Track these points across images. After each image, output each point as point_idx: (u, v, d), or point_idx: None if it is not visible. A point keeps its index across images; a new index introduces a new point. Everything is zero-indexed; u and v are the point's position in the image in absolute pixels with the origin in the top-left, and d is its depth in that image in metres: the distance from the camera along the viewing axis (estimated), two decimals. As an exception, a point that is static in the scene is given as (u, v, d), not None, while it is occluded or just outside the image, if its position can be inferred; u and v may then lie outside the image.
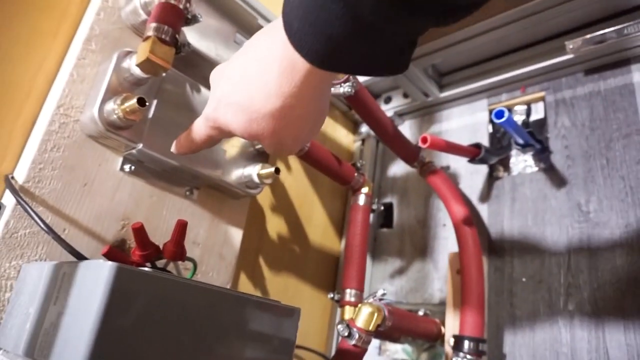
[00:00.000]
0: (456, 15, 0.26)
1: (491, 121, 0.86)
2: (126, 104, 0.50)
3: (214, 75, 0.41)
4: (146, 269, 0.34)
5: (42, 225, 0.42)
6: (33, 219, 0.42)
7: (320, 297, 0.89)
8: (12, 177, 0.49)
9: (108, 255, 0.42)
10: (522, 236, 0.74)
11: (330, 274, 0.92)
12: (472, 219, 0.73)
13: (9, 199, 0.48)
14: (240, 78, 0.36)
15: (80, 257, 0.41)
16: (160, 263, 0.47)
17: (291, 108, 0.34)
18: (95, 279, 0.33)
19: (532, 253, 0.72)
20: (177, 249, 0.46)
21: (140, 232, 0.45)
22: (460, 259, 0.72)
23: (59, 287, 0.38)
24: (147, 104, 0.50)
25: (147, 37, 0.50)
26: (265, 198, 0.81)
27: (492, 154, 0.76)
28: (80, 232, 0.52)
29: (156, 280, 0.34)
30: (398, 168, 0.98)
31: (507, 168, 0.81)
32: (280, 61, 0.32)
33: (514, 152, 0.81)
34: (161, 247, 0.47)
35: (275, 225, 0.82)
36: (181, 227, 0.47)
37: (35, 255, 0.48)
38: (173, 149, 0.49)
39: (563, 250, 0.69)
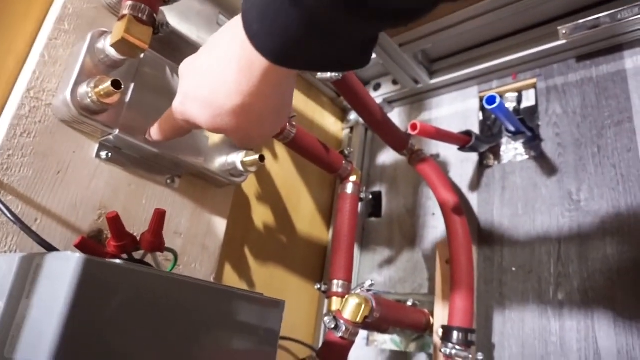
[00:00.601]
0: (412, 17, 0.27)
1: (482, 108, 0.85)
2: (100, 87, 0.47)
3: (182, 69, 0.41)
4: (119, 260, 0.32)
5: (9, 215, 0.39)
6: (2, 210, 0.39)
7: (307, 287, 0.87)
8: (-21, 164, 0.46)
9: (80, 247, 0.40)
10: (512, 225, 0.73)
11: (318, 264, 0.91)
12: (462, 208, 0.72)
13: (-25, 187, 0.45)
14: (205, 74, 0.37)
15: (50, 248, 0.39)
16: (138, 254, 0.45)
17: (251, 105, 0.35)
18: (63, 271, 0.31)
19: (522, 242, 0.71)
20: (155, 239, 0.44)
21: (115, 221, 0.42)
22: (449, 248, 0.70)
23: (31, 280, 0.36)
24: (122, 86, 0.48)
25: (123, 16, 0.48)
26: (250, 186, 0.79)
27: (483, 142, 0.75)
28: (54, 222, 0.49)
29: (129, 272, 0.32)
30: (387, 156, 0.96)
31: (497, 156, 0.79)
32: (238, 60, 0.33)
33: (504, 140, 0.80)
34: (139, 237, 0.45)
35: (261, 215, 0.80)
36: (159, 217, 0.45)
37: (5, 246, 0.45)
38: (147, 135, 0.51)
39: (553, 240, 0.68)
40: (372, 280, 0.59)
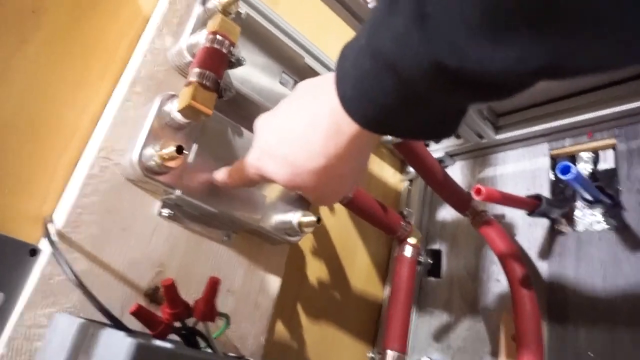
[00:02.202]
0: (510, 93, 0.26)
1: (553, 167, 0.79)
2: (164, 151, 0.49)
3: (259, 125, 0.42)
4: (168, 345, 0.31)
5: (73, 279, 0.40)
6: (65, 272, 0.41)
7: (359, 347, 0.83)
8: (51, 221, 0.49)
9: (136, 314, 0.40)
10: (589, 303, 0.66)
11: (372, 323, 0.87)
12: (531, 279, 0.66)
13: (46, 244, 0.47)
14: (286, 133, 0.37)
15: (109, 315, 0.39)
16: (190, 321, 0.45)
17: (333, 167, 0.36)
18: (116, 352, 0.31)
19: (601, 324, 0.64)
20: (207, 309, 0.44)
21: (170, 289, 0.42)
22: (516, 323, 0.65)
23: (86, 346, 0.37)
24: (185, 152, 0.49)
25: (189, 83, 0.49)
26: (305, 240, 0.78)
27: (554, 207, 0.70)
28: (115, 279, 0.50)
29: (179, 358, 0.31)
30: (448, 212, 0.92)
31: (571, 222, 0.73)
32: (326, 123, 0.34)
33: (579, 203, 0.74)
34: (192, 303, 0.45)
35: (316, 270, 0.79)
36: (213, 285, 0.44)
37: (69, 302, 0.47)
38: (215, 177, 0.52)
39: (638, 326, 0.60)
40: (429, 358, 0.55)
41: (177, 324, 0.43)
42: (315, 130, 0.35)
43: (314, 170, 0.36)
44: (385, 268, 0.92)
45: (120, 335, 0.31)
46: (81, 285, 0.40)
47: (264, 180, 0.43)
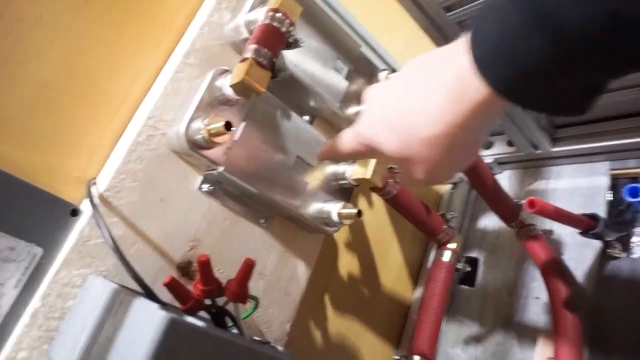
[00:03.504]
0: None
1: (613, 187, 0.74)
2: (212, 126, 0.48)
3: (371, 92, 0.39)
4: (200, 323, 0.30)
5: (111, 243, 0.40)
6: (103, 235, 0.41)
7: (382, 347, 0.81)
8: (95, 183, 0.49)
9: (169, 286, 0.39)
10: (638, 338, 0.61)
11: (397, 324, 0.85)
12: (577, 302, 0.62)
13: (88, 206, 0.47)
14: (402, 98, 0.34)
15: (142, 283, 0.39)
16: (221, 300, 0.44)
17: (452, 136, 0.32)
18: (146, 324, 0.30)
19: (649, 360, 0.59)
20: (239, 291, 0.43)
21: (205, 266, 0.42)
22: (554, 347, 0.61)
23: (115, 312, 0.36)
24: (233, 128, 0.48)
25: (245, 59, 0.48)
26: (340, 232, 0.76)
27: (611, 230, 0.65)
28: (150, 249, 0.50)
29: (209, 337, 0.30)
30: (490, 221, 0.88)
31: (626, 247, 0.68)
32: (450, 87, 0.31)
33: (637, 229, 0.68)
34: (224, 283, 0.44)
35: (347, 263, 0.77)
36: (248, 267, 0.43)
37: (104, 266, 0.47)
38: (318, 155, 0.50)
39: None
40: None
41: (208, 302, 0.43)
42: (435, 94, 0.31)
43: (428, 138, 0.32)
44: (417, 270, 0.89)
45: (153, 307, 0.30)
46: (117, 250, 0.40)
47: (369, 151, 0.39)
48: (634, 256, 0.67)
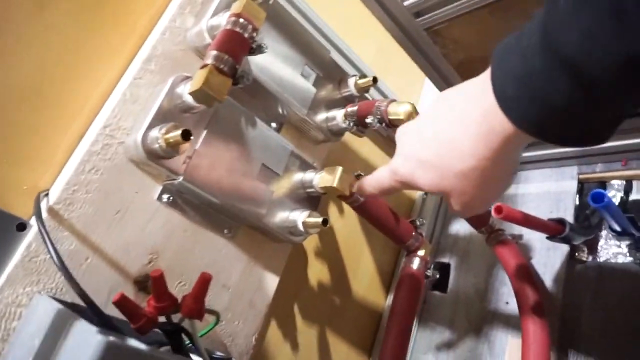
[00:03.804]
0: None
1: (580, 192, 0.75)
2: (170, 135, 0.46)
3: (402, 131, 0.41)
4: (142, 346, 0.29)
5: (56, 260, 0.38)
6: (49, 252, 0.39)
7: (355, 356, 0.80)
8: (47, 195, 0.47)
9: (119, 304, 0.37)
10: (604, 341, 0.62)
11: (370, 332, 0.84)
12: (543, 307, 0.62)
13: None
14: (433, 136, 0.36)
15: (88, 301, 0.37)
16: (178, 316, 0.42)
17: (483, 169, 0.34)
18: (84, 348, 0.28)
19: (615, 365, 0.60)
20: (195, 306, 0.41)
21: (158, 281, 0.40)
22: (522, 352, 0.61)
23: (60, 331, 0.34)
24: (192, 137, 0.46)
25: (205, 65, 0.46)
26: (310, 241, 0.75)
27: (578, 234, 0.65)
28: (104, 263, 0.48)
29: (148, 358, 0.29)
30: (462, 226, 0.88)
31: (593, 251, 0.69)
32: (477, 123, 0.32)
33: (604, 233, 0.69)
34: (180, 299, 0.42)
35: (317, 272, 0.76)
36: (204, 282, 0.41)
37: (52, 282, 0.44)
38: (354, 189, 0.52)
39: (657, 372, 0.56)
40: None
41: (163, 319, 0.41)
42: (464, 131, 0.33)
43: (462, 172, 0.34)
44: (389, 276, 0.88)
45: (92, 330, 0.29)
46: (62, 266, 0.38)
47: (405, 187, 0.41)
48: (600, 259, 0.68)
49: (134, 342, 0.30)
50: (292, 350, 0.70)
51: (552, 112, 0.28)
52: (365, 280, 0.84)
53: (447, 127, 0.35)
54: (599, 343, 0.62)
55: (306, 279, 0.74)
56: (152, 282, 0.40)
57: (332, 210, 0.79)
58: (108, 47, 0.55)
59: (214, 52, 0.47)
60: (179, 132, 0.45)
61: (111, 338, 0.27)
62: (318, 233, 0.76)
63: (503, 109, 0.30)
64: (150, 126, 0.48)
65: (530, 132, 0.30)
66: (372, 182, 0.46)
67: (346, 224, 0.80)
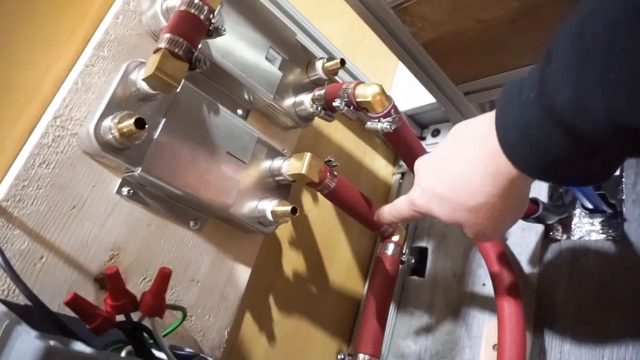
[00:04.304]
0: None
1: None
2: (123, 124, 0.44)
3: (421, 165, 0.44)
4: (88, 349, 0.27)
5: (0, 260, 0.36)
6: (-7, 251, 0.36)
7: (335, 345, 0.80)
8: (-6, 192, 0.44)
9: (71, 304, 0.35)
10: (579, 318, 0.62)
11: (349, 320, 0.83)
12: (519, 288, 0.62)
13: (-15, 218, 0.42)
14: (447, 173, 0.39)
15: (36, 302, 0.35)
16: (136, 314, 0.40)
17: (492, 205, 0.37)
18: (25, 354, 0.26)
19: (590, 342, 0.60)
20: (155, 303, 0.39)
21: (113, 278, 0.38)
22: (498, 332, 0.60)
23: (5, 338, 0.32)
24: (146, 126, 0.44)
25: (158, 50, 0.44)
26: (284, 229, 0.74)
27: (552, 213, 0.65)
28: (61, 262, 0.46)
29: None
30: (438, 209, 0.87)
31: (567, 229, 0.69)
32: (486, 165, 0.35)
33: (578, 211, 0.69)
34: (140, 296, 0.40)
35: (292, 261, 0.74)
36: (163, 277, 0.39)
37: (4, 284, 0.42)
38: (375, 217, 0.54)
39: (629, 347, 0.56)
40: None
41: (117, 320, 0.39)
42: (474, 171, 0.36)
43: (473, 207, 0.38)
44: (368, 263, 0.87)
45: (31, 334, 0.27)
46: (7, 265, 0.35)
47: (422, 216, 0.45)
48: (574, 238, 0.67)
49: (79, 346, 0.28)
50: (268, 342, 0.69)
51: (551, 160, 0.30)
52: (343, 268, 0.83)
53: (459, 165, 0.38)
54: (573, 319, 0.63)
55: (281, 269, 0.73)
56: (107, 280, 0.38)
57: (307, 198, 0.77)
58: (58, 33, 0.52)
59: (168, 35, 0.44)
60: (132, 120, 0.43)
61: (52, 343, 0.25)
62: (292, 222, 0.75)
63: (506, 155, 0.32)
64: (103, 116, 0.46)
65: (533, 176, 0.33)
66: (393, 211, 0.50)
67: (322, 212, 0.79)
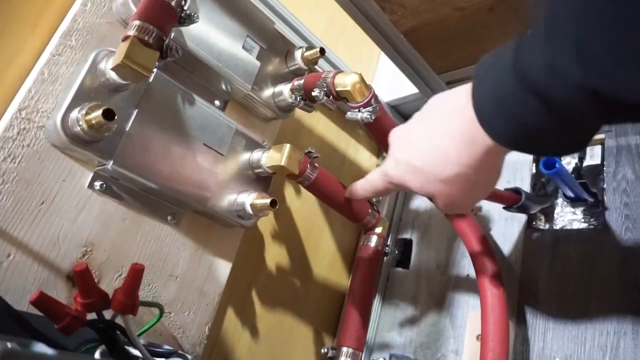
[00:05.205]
0: None
1: (536, 161, 0.74)
2: (91, 115, 0.42)
3: (395, 136, 0.43)
4: (49, 350, 0.25)
5: (-39, 260, 0.34)
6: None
7: (319, 338, 0.79)
8: (-44, 188, 0.42)
9: (37, 303, 0.34)
10: (561, 306, 0.62)
11: (334, 313, 0.82)
12: (502, 278, 0.62)
13: (-55, 215, 0.40)
14: (421, 144, 0.39)
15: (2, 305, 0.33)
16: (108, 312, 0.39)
17: (466, 175, 0.37)
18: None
19: (571, 329, 0.60)
20: (127, 300, 0.38)
21: (83, 275, 0.36)
22: (482, 322, 0.60)
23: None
24: (116, 117, 0.42)
25: (127, 37, 0.42)
26: (265, 222, 0.72)
27: (534, 202, 0.65)
28: (30, 260, 0.44)
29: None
30: (422, 201, 0.87)
31: (550, 219, 0.69)
32: (461, 135, 0.35)
33: (560, 200, 0.69)
34: (112, 294, 0.39)
35: (275, 255, 0.73)
36: (135, 273, 0.38)
37: (-31, 284, 0.40)
38: (346, 194, 0.54)
39: (611, 333, 0.57)
40: (384, 358, 0.51)
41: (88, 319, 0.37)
42: (450, 141, 0.36)
43: (447, 178, 0.37)
44: (352, 256, 0.87)
45: (-13, 337, 0.25)
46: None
47: (396, 188, 0.45)
48: (556, 227, 0.67)
49: (40, 347, 0.26)
50: (252, 337, 0.68)
51: (526, 129, 0.30)
52: (326, 261, 0.82)
53: (434, 136, 0.38)
54: (556, 308, 0.63)
55: (263, 263, 0.71)
56: (75, 277, 0.36)
57: (289, 190, 0.76)
58: (22, 20, 0.49)
59: (137, 22, 0.43)
60: (100, 111, 0.41)
61: (9, 345, 0.24)
62: (274, 215, 0.74)
63: (482, 125, 0.32)
64: (70, 107, 0.44)
65: (507, 146, 0.33)
66: (366, 185, 0.49)
67: (304, 204, 0.78)
